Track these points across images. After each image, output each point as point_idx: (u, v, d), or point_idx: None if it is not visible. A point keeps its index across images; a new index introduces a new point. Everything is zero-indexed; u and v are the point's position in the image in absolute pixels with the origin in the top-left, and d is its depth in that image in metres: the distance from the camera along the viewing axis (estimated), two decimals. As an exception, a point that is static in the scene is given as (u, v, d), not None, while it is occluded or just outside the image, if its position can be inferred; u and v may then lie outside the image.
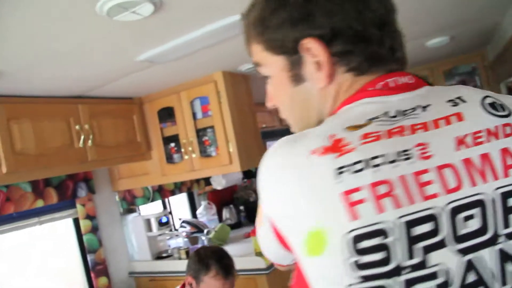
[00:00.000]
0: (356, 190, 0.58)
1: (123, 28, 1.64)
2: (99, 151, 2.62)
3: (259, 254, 2.76)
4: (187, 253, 3.12)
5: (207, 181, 4.02)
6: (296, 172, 0.63)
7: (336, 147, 0.62)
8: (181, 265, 3.03)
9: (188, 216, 4.11)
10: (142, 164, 3.10)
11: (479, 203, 0.59)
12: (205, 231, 3.49)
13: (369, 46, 0.70)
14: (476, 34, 3.37)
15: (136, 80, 2.56)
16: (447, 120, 0.63)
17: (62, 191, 2.78)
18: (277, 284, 2.76)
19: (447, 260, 0.57)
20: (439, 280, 0.57)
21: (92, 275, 2.92)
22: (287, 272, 2.82)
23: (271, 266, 2.71)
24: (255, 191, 4.58)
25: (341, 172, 0.59)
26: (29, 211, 2.64)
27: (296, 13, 0.70)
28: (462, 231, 0.58)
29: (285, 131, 4.59)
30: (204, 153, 2.89)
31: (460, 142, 0.61)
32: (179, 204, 4.13)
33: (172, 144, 3.05)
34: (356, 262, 0.58)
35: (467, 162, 0.60)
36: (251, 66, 2.72)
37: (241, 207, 4.38)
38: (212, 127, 2.81)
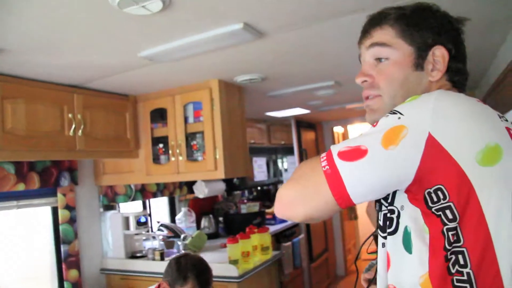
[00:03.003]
0: (509, 128, 0.89)
1: (131, 21, 1.69)
2: (87, 141, 2.64)
3: (232, 262, 2.78)
4: (161, 255, 3.13)
5: (189, 189, 4.04)
6: (476, 106, 0.88)
7: (485, 103, 0.92)
8: (155, 266, 3.05)
9: (167, 220, 4.11)
10: (128, 161, 3.12)
11: None
12: (182, 236, 3.50)
13: (464, 72, 1.04)
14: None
15: (134, 78, 2.61)
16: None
17: (45, 178, 2.78)
18: (246, 294, 2.79)
19: None
20: None
21: (64, 266, 2.90)
22: (256, 283, 2.87)
23: (243, 275, 2.74)
24: (236, 204, 4.62)
25: (500, 117, 0.91)
26: (8, 193, 2.64)
27: (442, 26, 1.01)
28: None
29: (272, 150, 4.63)
30: (190, 157, 2.93)
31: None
32: (159, 207, 4.14)
33: (161, 145, 3.08)
34: None
35: None
36: (247, 78, 2.79)
37: (220, 218, 4.40)
38: (201, 132, 2.85)
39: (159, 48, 2.06)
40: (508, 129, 0.88)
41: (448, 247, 0.82)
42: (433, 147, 0.80)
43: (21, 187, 2.64)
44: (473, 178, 0.80)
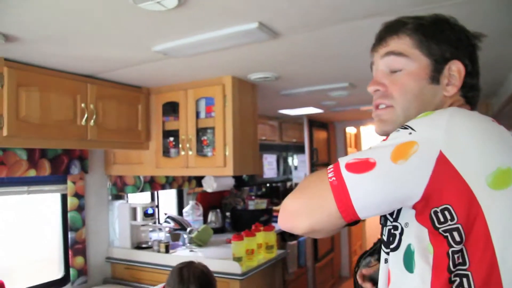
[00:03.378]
0: None
1: (146, 16, 1.69)
2: (99, 132, 2.66)
3: (236, 259, 2.79)
4: (166, 247, 3.15)
5: (198, 182, 4.06)
6: (490, 126, 0.86)
7: (499, 123, 0.91)
8: (159, 258, 3.07)
9: (174, 212, 4.13)
10: (138, 152, 3.14)
11: None
12: (188, 229, 3.52)
13: (477, 88, 1.05)
14: (483, 84, 3.42)
15: (148, 71, 2.62)
16: None
17: (56, 165, 2.82)
18: (249, 291, 2.80)
19: None
20: None
21: (70, 252, 2.94)
22: (259, 281, 2.86)
23: (246, 272, 2.75)
24: (243, 200, 4.63)
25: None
26: (20, 178, 2.67)
27: (459, 40, 1.01)
28: None
29: (283, 147, 4.63)
30: (200, 152, 2.94)
31: None
32: (167, 199, 4.17)
33: (171, 138, 3.10)
34: None
35: None
36: (260, 76, 2.78)
37: (227, 213, 4.42)
38: (212, 128, 2.86)
39: (173, 44, 2.06)
40: None
41: (453, 269, 0.81)
42: (443, 166, 0.79)
43: (32, 173, 2.67)
44: (482, 201, 0.79)
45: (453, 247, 0.81)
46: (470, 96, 1.02)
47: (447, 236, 0.81)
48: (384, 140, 0.88)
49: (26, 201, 2.85)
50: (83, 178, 3.03)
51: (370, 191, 0.83)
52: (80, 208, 3.00)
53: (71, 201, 2.94)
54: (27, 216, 2.87)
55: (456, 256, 0.80)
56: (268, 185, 5.92)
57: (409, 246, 0.88)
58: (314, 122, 5.77)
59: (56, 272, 2.95)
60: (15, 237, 2.78)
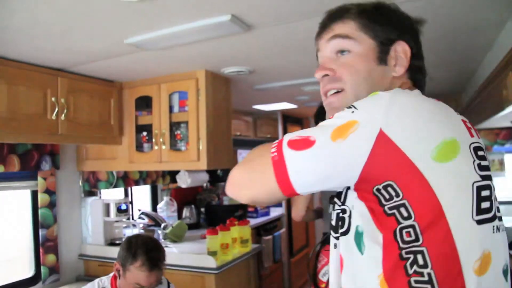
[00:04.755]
0: (465, 121, 0.92)
1: (116, 7, 1.67)
2: (70, 126, 2.62)
3: (211, 254, 2.78)
4: (140, 243, 3.12)
5: (172, 178, 4.03)
6: (432, 103, 0.88)
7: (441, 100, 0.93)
8: (133, 253, 3.03)
9: (148, 208, 4.10)
10: (111, 148, 3.10)
11: None
12: (162, 225, 3.49)
13: (423, 70, 1.06)
14: (453, 79, 3.51)
15: (120, 64, 2.58)
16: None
17: (25, 161, 2.75)
18: (223, 285, 2.79)
19: None
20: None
21: (41, 250, 2.88)
22: (234, 275, 2.87)
23: (221, 266, 2.75)
24: (218, 195, 4.62)
25: (457, 113, 0.93)
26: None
27: (403, 24, 1.04)
28: None
29: (258, 143, 4.66)
30: (174, 146, 2.92)
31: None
32: (141, 195, 4.13)
33: (144, 133, 3.07)
34: (479, 164, 0.86)
35: None
36: (234, 70, 2.78)
37: (202, 209, 4.40)
38: (186, 122, 2.85)
39: (145, 36, 2.04)
40: (464, 121, 0.92)
41: (403, 246, 0.81)
42: (384, 143, 0.80)
43: (0, 169, 2.60)
44: (428, 175, 0.80)
45: (402, 223, 0.81)
46: (418, 78, 1.04)
47: (394, 213, 0.82)
48: (330, 118, 0.89)
49: (-5, 198, 2.78)
50: (54, 174, 2.97)
51: (306, 168, 0.84)
52: (51, 205, 2.94)
53: (42, 198, 2.88)
54: (-4, 214, 2.80)
55: (405, 232, 0.81)
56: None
57: (357, 228, 0.88)
58: (288, 118, 5.80)
59: (26, 271, 2.89)
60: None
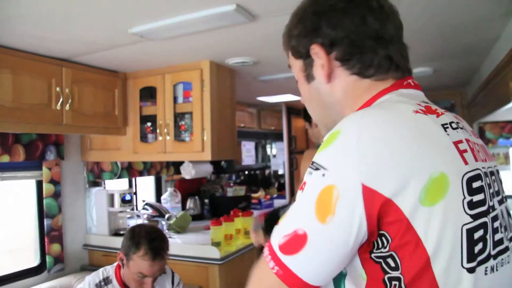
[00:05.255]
0: (460, 141, 0.78)
1: (121, -5, 1.67)
2: (75, 116, 2.62)
3: (215, 244, 2.79)
4: (144, 233, 3.13)
5: (176, 169, 4.03)
6: (408, 128, 0.74)
7: (430, 110, 0.80)
8: (137, 244, 3.05)
9: (152, 199, 4.11)
10: (115, 138, 3.11)
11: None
12: (166, 216, 3.50)
13: (365, 55, 0.86)
14: (458, 72, 3.49)
15: (125, 54, 2.58)
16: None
17: (30, 151, 2.76)
18: (227, 275, 2.80)
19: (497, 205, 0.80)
20: (500, 221, 0.79)
21: (46, 240, 2.90)
22: (238, 266, 2.84)
23: (225, 257, 2.75)
24: (222, 187, 4.63)
25: (445, 128, 0.78)
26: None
27: (309, 26, 0.89)
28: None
29: (261, 134, 4.63)
30: (178, 137, 2.92)
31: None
32: (145, 186, 4.14)
33: (149, 124, 3.07)
34: (470, 201, 0.73)
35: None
36: (238, 61, 2.77)
37: (206, 200, 4.41)
38: (190, 113, 2.84)
39: (150, 26, 2.03)
40: (456, 144, 0.77)
41: None
42: (372, 198, 0.70)
43: (5, 158, 2.61)
44: (415, 223, 0.70)
45: (389, 273, 0.73)
46: (359, 68, 0.87)
47: (380, 262, 0.74)
48: (301, 188, 0.77)
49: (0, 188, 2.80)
50: (58, 164, 2.98)
51: (317, 264, 0.74)
52: (56, 195, 2.95)
53: (47, 188, 2.89)
54: (1, 203, 2.81)
55: (393, 283, 0.72)
56: (246, 172, 5.92)
57: (342, 270, 0.79)
58: (292, 110, 5.79)
59: (32, 260, 2.91)
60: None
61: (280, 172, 6.61)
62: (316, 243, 0.72)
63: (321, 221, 0.71)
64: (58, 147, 2.96)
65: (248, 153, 5.72)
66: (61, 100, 2.52)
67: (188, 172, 3.62)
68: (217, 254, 2.73)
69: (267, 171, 6.52)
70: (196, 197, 4.24)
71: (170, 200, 3.91)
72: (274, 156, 6.68)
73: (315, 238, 0.72)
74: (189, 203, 4.17)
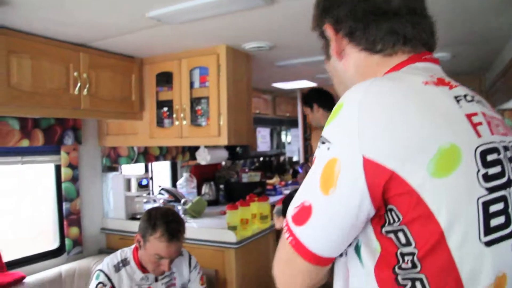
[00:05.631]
0: (474, 114, 0.76)
1: (139, -22, 1.67)
2: (92, 101, 2.65)
3: (231, 228, 2.80)
4: (161, 218, 3.16)
5: (192, 155, 4.05)
6: (416, 98, 0.73)
7: (443, 82, 0.78)
8: (154, 228, 3.08)
9: (168, 184, 4.14)
10: (131, 123, 3.13)
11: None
12: (182, 201, 3.53)
13: (368, 29, 0.86)
14: (477, 57, 3.44)
15: (141, 39, 2.58)
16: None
17: (49, 135, 2.79)
18: (243, 259, 2.83)
19: None
20: None
21: (65, 223, 2.94)
22: (254, 250, 2.85)
23: (241, 241, 2.77)
24: (237, 173, 4.64)
25: (458, 100, 0.76)
26: (13, 148, 2.65)
27: (321, 7, 0.94)
28: None
29: (276, 121, 4.64)
30: (194, 122, 2.93)
31: None
32: (161, 171, 4.17)
33: (165, 109, 3.08)
34: (485, 174, 0.71)
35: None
36: (255, 45, 2.76)
37: (221, 186, 4.43)
38: (207, 98, 2.85)
39: (167, 10, 2.03)
40: (469, 116, 0.75)
41: (399, 271, 0.73)
42: (374, 171, 0.69)
43: (25, 143, 2.65)
44: (426, 196, 0.69)
45: (401, 248, 0.72)
46: (365, 44, 0.87)
47: (391, 238, 0.73)
48: (312, 163, 0.80)
49: (20, 172, 2.84)
50: (76, 149, 3.01)
51: (322, 236, 0.76)
52: (74, 179, 2.99)
53: (65, 172, 2.93)
54: (21, 187, 2.86)
55: (406, 258, 0.72)
56: (261, 159, 5.93)
57: (358, 240, 0.79)
58: (307, 96, 5.75)
59: (51, 243, 2.96)
60: (9, 207, 2.78)
61: (295, 159, 6.61)
62: (320, 215, 0.74)
63: (324, 193, 0.73)
64: (76, 132, 2.99)
65: (263, 140, 5.73)
66: (79, 85, 2.55)
67: (203, 158, 3.63)
68: (233, 238, 2.74)
69: (282, 158, 6.52)
70: (212, 183, 4.26)
71: (185, 185, 3.94)
72: (289, 143, 6.67)
73: (319, 210, 0.74)
74: (205, 189, 4.20)
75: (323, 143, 0.76)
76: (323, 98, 3.16)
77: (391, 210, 0.72)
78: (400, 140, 0.69)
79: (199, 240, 2.85)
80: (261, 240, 3.10)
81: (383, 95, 0.73)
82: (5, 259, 2.49)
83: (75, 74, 2.53)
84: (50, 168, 2.98)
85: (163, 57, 2.99)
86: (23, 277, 2.44)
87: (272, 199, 4.27)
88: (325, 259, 0.78)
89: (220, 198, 4.35)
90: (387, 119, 0.70)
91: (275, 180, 5.48)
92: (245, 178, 4.59)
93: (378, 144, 0.69)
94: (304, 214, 0.76)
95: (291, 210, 0.79)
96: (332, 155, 0.73)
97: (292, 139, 6.62)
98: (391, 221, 0.72)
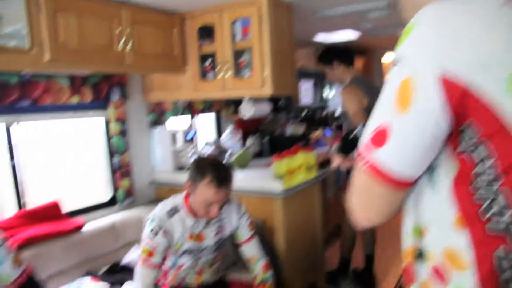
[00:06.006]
0: None
1: None
2: (136, 57, 2.69)
3: (278, 178, 2.82)
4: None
5: (236, 109, 4.07)
6: (492, 16, 0.70)
7: None
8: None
9: (213, 136, 4.20)
10: (175, 78, 3.16)
11: None
12: (228, 152, 3.57)
13: None
14: None
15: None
16: None
17: (97, 92, 2.88)
18: (290, 208, 2.88)
19: None
20: None
21: (117, 175, 3.06)
22: (300, 200, 2.86)
23: (287, 190, 2.81)
24: (281, 126, 4.64)
25: None
26: (64, 105, 2.76)
27: None
28: None
29: (319, 74, 4.58)
30: (238, 74, 2.93)
31: None
32: (206, 124, 4.22)
33: (208, 62, 3.09)
34: None
35: None
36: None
37: (265, 139, 4.45)
38: (249, 49, 2.83)
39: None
40: None
41: (476, 190, 0.74)
42: (451, 85, 0.69)
43: (75, 99, 2.74)
44: (504, 111, 0.69)
45: (479, 165, 0.73)
46: None
47: (469, 155, 0.74)
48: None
49: (71, 127, 2.95)
50: (123, 104, 3.08)
51: (403, 155, 0.75)
52: (123, 133, 3.08)
53: (114, 126, 3.02)
54: (73, 142, 2.98)
55: (483, 176, 0.73)
56: (304, 112, 5.88)
57: (434, 163, 0.79)
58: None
59: (104, 194, 3.10)
60: (65, 162, 2.91)
61: (337, 113, 6.51)
62: (399, 133, 0.74)
63: (402, 111, 0.73)
64: (122, 88, 3.05)
65: (306, 93, 5.67)
66: (122, 40, 2.58)
67: (247, 111, 3.64)
68: (280, 187, 2.78)
69: (324, 112, 6.45)
70: (256, 136, 4.29)
71: (230, 138, 3.97)
72: (331, 98, 6.58)
73: (397, 128, 0.74)
74: (249, 142, 4.23)
75: (395, 64, 0.76)
76: (343, 54, 3.19)
77: (468, 126, 0.72)
78: (477, 56, 0.68)
79: (246, 191, 2.90)
80: (307, 190, 3.12)
81: (459, 15, 0.71)
82: (64, 210, 2.64)
83: (119, 30, 2.57)
84: (99, 123, 3.08)
85: (204, 11, 2.97)
86: (83, 223, 2.60)
87: (317, 150, 4.26)
88: (403, 182, 0.78)
89: (264, 150, 4.38)
90: (464, 36, 0.69)
91: (319, 132, 5.44)
92: (289, 130, 4.59)
93: (455, 60, 0.69)
94: (381, 136, 0.76)
95: (365, 137, 0.79)
96: (407, 73, 0.73)
97: (335, 94, 6.52)
98: (468, 137, 0.73)
